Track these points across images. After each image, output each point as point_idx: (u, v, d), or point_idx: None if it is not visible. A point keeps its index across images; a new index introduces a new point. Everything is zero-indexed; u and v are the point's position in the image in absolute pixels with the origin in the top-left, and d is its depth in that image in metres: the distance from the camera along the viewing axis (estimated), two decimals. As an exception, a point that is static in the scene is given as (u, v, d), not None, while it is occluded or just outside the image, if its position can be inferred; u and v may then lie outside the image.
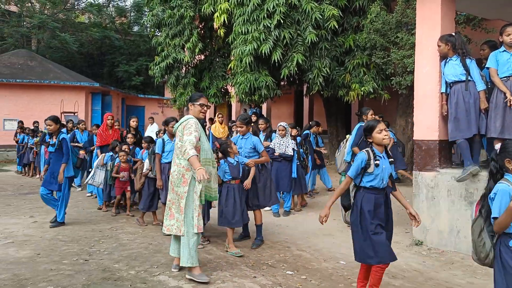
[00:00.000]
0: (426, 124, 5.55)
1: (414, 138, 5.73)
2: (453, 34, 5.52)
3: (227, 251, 5.32)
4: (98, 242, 5.73)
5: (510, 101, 4.76)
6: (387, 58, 9.15)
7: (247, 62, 10.30)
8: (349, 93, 10.09)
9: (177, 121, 6.47)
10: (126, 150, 7.53)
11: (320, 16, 9.63)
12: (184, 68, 14.03)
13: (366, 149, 3.65)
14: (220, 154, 5.67)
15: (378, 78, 9.84)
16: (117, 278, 4.41)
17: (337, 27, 9.82)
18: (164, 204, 6.34)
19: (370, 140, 3.67)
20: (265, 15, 10.05)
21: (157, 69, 13.69)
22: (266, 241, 5.77)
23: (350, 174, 3.65)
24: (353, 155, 6.23)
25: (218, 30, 11.81)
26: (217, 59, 13.71)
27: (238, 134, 6.13)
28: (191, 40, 12.61)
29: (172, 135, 6.31)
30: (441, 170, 5.42)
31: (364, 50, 9.93)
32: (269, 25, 10.01)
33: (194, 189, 4.39)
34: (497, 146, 2.86)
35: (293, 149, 7.57)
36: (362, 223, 3.61)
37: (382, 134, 3.60)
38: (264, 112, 16.47)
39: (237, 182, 5.40)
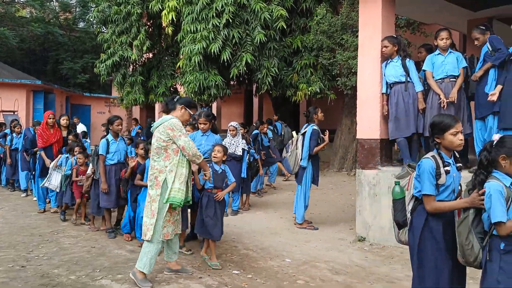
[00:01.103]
0: (368, 123, 5.74)
1: (357, 137, 5.91)
2: (396, 36, 5.77)
3: (203, 258, 5.05)
4: (37, 247, 5.47)
5: (443, 102, 5.03)
6: (333, 59, 9.40)
7: (196, 61, 10.24)
8: (297, 93, 10.29)
9: (121, 120, 6.30)
10: (81, 151, 7.05)
11: (269, 16, 9.74)
12: (131, 66, 13.72)
13: (432, 154, 2.93)
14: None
15: (325, 79, 10.10)
16: (56, 284, 4.23)
17: (285, 27, 9.98)
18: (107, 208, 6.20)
19: (438, 141, 2.92)
20: (214, 14, 10.03)
21: (103, 67, 13.30)
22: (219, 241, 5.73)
23: (429, 191, 2.83)
24: (310, 158, 6.32)
25: (166, 28, 11.66)
26: (166, 58, 13.52)
27: (199, 130, 6.03)
28: (138, 38, 12.36)
29: (117, 135, 6.13)
30: (382, 168, 5.62)
31: (311, 51, 10.15)
32: (218, 24, 10.00)
33: (167, 193, 4.22)
34: (496, 137, 2.68)
35: (243, 149, 7.59)
36: (424, 249, 2.91)
37: (458, 136, 2.86)
38: (214, 112, 16.40)
39: (218, 192, 4.98)
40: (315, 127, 6.33)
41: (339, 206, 7.79)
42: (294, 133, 6.73)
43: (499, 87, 4.78)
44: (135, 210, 5.65)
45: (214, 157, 4.99)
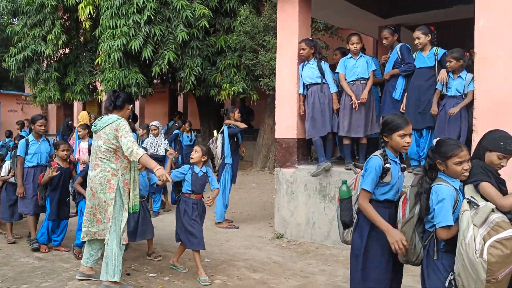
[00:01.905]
0: (286, 123, 5.88)
1: (275, 136, 6.04)
2: (313, 39, 5.97)
3: (176, 267, 4.69)
4: None
5: (355, 104, 5.30)
6: (255, 60, 9.52)
7: (116, 58, 9.86)
8: (220, 92, 10.27)
9: (45, 119, 5.84)
10: None
11: (191, 15, 9.63)
12: (45, 62, 12.87)
13: (380, 152, 2.92)
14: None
15: (248, 79, 10.19)
16: None
17: (208, 26, 9.94)
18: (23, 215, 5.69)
19: (386, 140, 2.93)
20: (135, 10, 9.72)
21: (13, 61, 12.35)
22: (130, 244, 5.55)
23: (368, 187, 2.83)
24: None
25: (84, 23, 11.09)
26: (84, 54, 12.83)
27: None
28: (53, 32, 11.62)
29: (39, 135, 5.61)
30: (299, 166, 5.79)
31: (235, 51, 10.20)
32: (139, 20, 9.71)
33: (121, 196, 4.03)
34: (434, 141, 2.75)
35: (165, 149, 7.46)
36: (370, 250, 2.92)
37: (405, 139, 2.85)
38: (137, 111, 15.91)
39: (197, 198, 4.51)
40: (228, 127, 6.53)
41: (260, 205, 7.91)
42: (215, 132, 6.73)
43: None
44: (56, 220, 5.35)
45: (191, 157, 4.63)
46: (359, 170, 3.15)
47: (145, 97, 12.26)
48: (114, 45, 9.76)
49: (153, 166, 3.83)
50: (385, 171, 2.84)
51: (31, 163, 5.54)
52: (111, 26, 9.94)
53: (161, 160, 7.30)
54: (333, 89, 5.61)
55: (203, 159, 4.55)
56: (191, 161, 4.60)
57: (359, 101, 5.32)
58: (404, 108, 5.23)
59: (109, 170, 4.01)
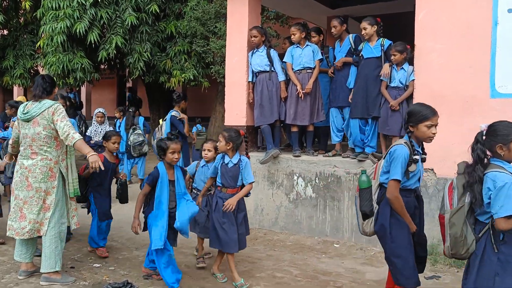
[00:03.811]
0: (235, 110, 5.89)
1: (225, 123, 6.04)
2: (262, 27, 5.98)
3: (214, 275, 4.16)
4: None
5: (300, 93, 5.37)
6: (207, 47, 9.41)
7: (59, 41, 9.43)
8: (170, 79, 10.10)
9: None
10: None
11: (141, -1, 9.36)
12: (-20, 44, 12.09)
13: (404, 140, 2.92)
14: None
15: (199, 66, 10.07)
16: None
17: (158, 11, 9.70)
18: None
19: (412, 130, 2.92)
20: (79, -9, 9.30)
21: None
22: (74, 234, 5.39)
23: (399, 176, 2.83)
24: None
25: (24, 3, 10.50)
26: (25, 36, 12.15)
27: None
28: (-11, 11, 10.91)
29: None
30: (249, 153, 5.81)
31: (186, 37, 10.03)
32: (84, 2, 9.31)
33: (63, 183, 3.94)
34: (483, 126, 2.59)
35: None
36: (396, 239, 2.93)
37: (431, 130, 2.86)
38: (83, 98, 15.35)
39: (230, 192, 3.94)
40: (174, 113, 6.46)
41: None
42: (160, 121, 6.64)
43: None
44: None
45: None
46: (377, 160, 3.14)
47: (91, 83, 11.83)
48: (57, 27, 9.32)
49: (87, 152, 3.78)
50: (414, 162, 2.83)
51: None
52: (54, 7, 9.48)
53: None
54: (281, 77, 5.66)
55: (228, 147, 3.94)
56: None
57: (304, 91, 5.39)
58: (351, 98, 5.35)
59: (51, 158, 3.90)
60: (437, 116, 2.87)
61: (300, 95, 5.38)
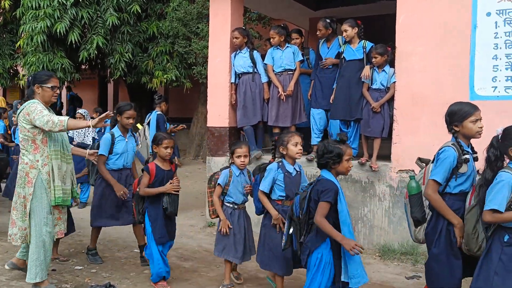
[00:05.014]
0: (218, 112, 5.89)
1: (207, 125, 6.03)
2: (245, 28, 5.98)
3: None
4: None
5: (282, 95, 5.39)
6: (189, 48, 9.39)
7: (39, 41, 9.32)
8: (152, 80, 10.04)
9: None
10: None
11: (122, -1, 9.30)
12: (-42, 43, 11.85)
13: (451, 142, 2.84)
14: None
15: (181, 67, 10.06)
16: None
17: (140, 12, 9.65)
18: None
19: (457, 129, 2.84)
20: (60, -9, 9.19)
21: None
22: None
23: (439, 178, 2.77)
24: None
25: (3, 2, 10.32)
26: (4, 35, 11.96)
27: None
28: (-34, 10, 10.70)
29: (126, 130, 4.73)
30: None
31: (168, 38, 10.01)
32: (64, 2, 9.21)
33: (44, 190, 3.66)
34: (499, 130, 2.62)
35: (93, 137, 7.19)
36: (449, 243, 2.82)
37: (477, 124, 2.79)
38: (63, 98, 15.13)
39: (289, 204, 3.36)
40: (159, 113, 6.41)
41: (192, 193, 7.87)
42: (138, 125, 6.56)
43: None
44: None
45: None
46: (425, 164, 3.10)
47: (72, 83, 11.69)
48: (37, 27, 9.21)
49: (85, 124, 3.69)
50: (465, 162, 2.76)
51: (115, 166, 4.54)
52: (34, 7, 9.36)
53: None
54: (264, 78, 5.67)
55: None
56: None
57: (285, 93, 5.40)
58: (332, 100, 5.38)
59: (27, 162, 3.69)
60: (479, 110, 2.83)
61: (282, 98, 5.40)
